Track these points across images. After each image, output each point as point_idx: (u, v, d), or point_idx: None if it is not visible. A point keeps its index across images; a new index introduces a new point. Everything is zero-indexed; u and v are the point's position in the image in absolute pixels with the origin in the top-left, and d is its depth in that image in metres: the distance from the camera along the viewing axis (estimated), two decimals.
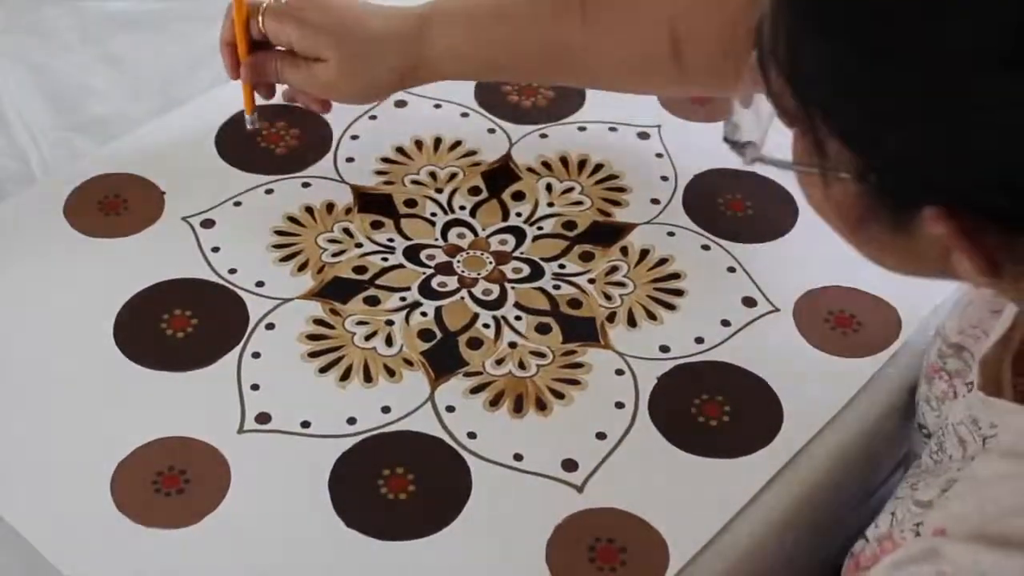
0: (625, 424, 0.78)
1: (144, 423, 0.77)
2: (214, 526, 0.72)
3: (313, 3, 0.85)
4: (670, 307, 0.84)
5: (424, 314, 0.83)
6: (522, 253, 0.88)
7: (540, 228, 0.89)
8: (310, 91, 0.89)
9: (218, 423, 0.77)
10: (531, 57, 0.86)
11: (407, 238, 0.88)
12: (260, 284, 0.85)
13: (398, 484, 0.74)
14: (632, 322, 0.83)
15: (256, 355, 0.81)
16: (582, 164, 0.94)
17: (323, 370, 0.80)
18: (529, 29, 0.85)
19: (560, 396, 0.79)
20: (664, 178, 0.93)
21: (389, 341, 0.82)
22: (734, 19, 0.73)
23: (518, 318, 0.83)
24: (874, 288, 0.85)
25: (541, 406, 0.79)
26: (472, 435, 0.77)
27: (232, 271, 0.86)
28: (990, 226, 0.52)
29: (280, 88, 0.91)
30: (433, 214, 0.90)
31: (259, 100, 0.91)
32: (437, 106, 0.98)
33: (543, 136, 0.96)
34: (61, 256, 0.86)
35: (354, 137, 0.95)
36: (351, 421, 0.77)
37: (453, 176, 0.93)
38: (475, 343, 0.82)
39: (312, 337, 0.82)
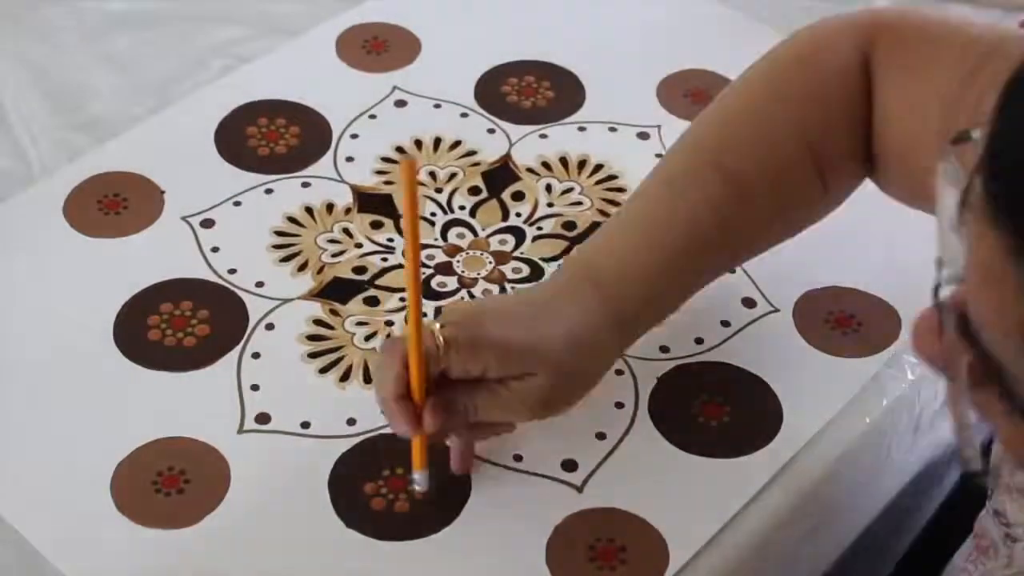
0: (625, 424, 0.78)
1: (144, 423, 0.77)
2: (214, 526, 0.72)
3: (490, 318, 0.70)
4: None
5: (424, 314, 0.83)
6: (522, 253, 0.88)
7: (540, 228, 0.89)
8: (519, 418, 0.73)
9: (218, 423, 0.77)
10: (710, 262, 0.76)
11: None
12: (260, 284, 0.85)
13: (398, 485, 0.74)
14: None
15: (256, 355, 0.81)
16: (582, 164, 0.94)
17: (323, 370, 0.80)
18: (703, 238, 0.74)
19: None
20: None
21: None
22: (860, 120, 0.74)
23: None
24: (874, 288, 0.85)
25: None
26: None
27: (232, 271, 0.86)
28: None
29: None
30: (433, 214, 0.90)
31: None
32: (437, 106, 0.98)
33: (543, 136, 0.96)
34: (60, 256, 0.86)
35: (354, 136, 0.95)
36: (351, 422, 0.77)
37: (453, 176, 0.93)
38: None
39: (312, 337, 0.82)
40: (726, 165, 0.75)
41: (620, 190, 0.92)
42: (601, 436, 0.77)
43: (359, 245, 0.88)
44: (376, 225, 0.89)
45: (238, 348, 0.81)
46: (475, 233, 0.89)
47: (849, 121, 0.76)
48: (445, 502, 0.74)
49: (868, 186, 0.79)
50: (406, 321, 0.76)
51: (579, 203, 0.91)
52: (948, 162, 0.48)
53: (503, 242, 0.88)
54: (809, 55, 0.78)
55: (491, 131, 0.96)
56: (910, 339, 0.51)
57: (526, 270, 0.86)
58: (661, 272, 0.73)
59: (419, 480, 0.72)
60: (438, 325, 0.68)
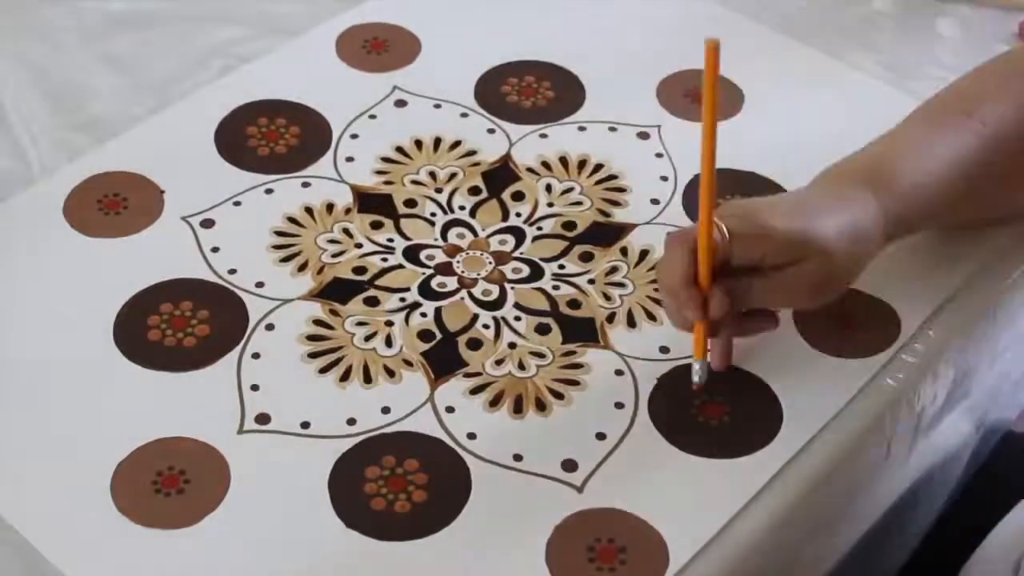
0: (625, 424, 0.78)
1: (143, 423, 0.77)
2: (213, 526, 0.72)
3: (765, 211, 0.76)
4: None
5: (424, 315, 0.83)
6: (522, 253, 0.88)
7: (540, 228, 0.89)
8: (791, 305, 0.81)
9: (218, 424, 0.77)
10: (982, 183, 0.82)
11: (407, 238, 0.88)
12: (260, 284, 0.85)
13: (397, 485, 0.74)
14: (632, 323, 0.83)
15: (256, 356, 0.81)
16: (582, 164, 0.94)
17: (323, 371, 0.80)
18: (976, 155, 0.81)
19: (560, 396, 0.79)
20: (664, 178, 0.93)
21: (389, 342, 0.82)
22: None
23: (518, 319, 0.83)
24: (873, 289, 0.85)
25: (541, 406, 0.79)
26: (472, 436, 0.77)
27: (232, 271, 0.86)
28: None
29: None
30: (433, 214, 0.90)
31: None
32: (437, 106, 0.98)
33: (543, 136, 0.96)
34: (60, 255, 0.86)
35: (354, 136, 0.95)
36: (351, 422, 0.77)
37: (453, 176, 0.93)
38: (475, 344, 0.82)
39: (312, 338, 0.82)
40: (984, 115, 0.81)
41: (620, 190, 0.92)
42: (601, 436, 0.77)
43: (359, 245, 0.88)
44: (376, 225, 0.89)
45: (238, 348, 0.81)
46: (475, 233, 0.89)
47: None
48: (445, 503, 0.74)
49: None
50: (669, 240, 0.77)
51: (579, 203, 0.91)
52: None
53: (503, 242, 0.88)
54: None
55: (491, 131, 0.96)
56: None
57: (526, 270, 0.86)
58: (935, 179, 0.79)
59: (698, 370, 0.78)
60: (719, 218, 0.74)
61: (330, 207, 0.90)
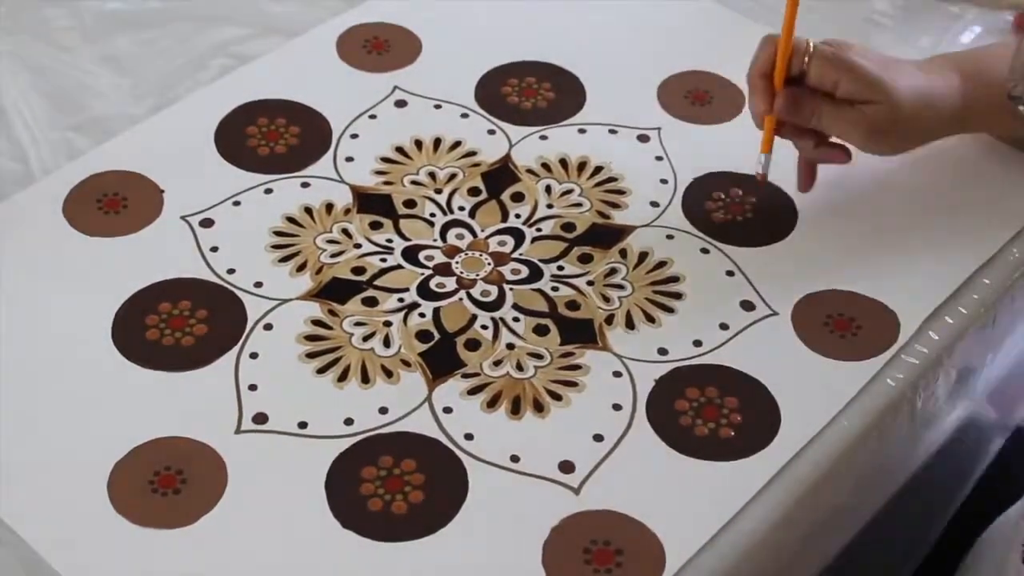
0: (622, 426, 0.78)
1: (141, 423, 0.77)
2: (211, 526, 0.72)
3: (859, 51, 0.84)
4: (668, 310, 0.84)
5: (422, 315, 0.83)
6: (521, 254, 0.88)
7: (539, 229, 0.89)
8: (849, 139, 0.87)
9: (215, 423, 0.77)
10: None
11: (406, 239, 0.88)
12: (259, 284, 0.85)
13: (395, 485, 0.74)
14: (630, 324, 0.83)
15: (254, 355, 0.81)
16: (582, 166, 0.94)
17: (321, 371, 0.80)
18: None
19: (557, 398, 0.79)
20: (664, 181, 0.93)
21: (387, 342, 0.82)
22: None
23: (516, 319, 0.83)
24: (872, 292, 0.85)
25: (538, 407, 0.79)
26: (469, 436, 0.77)
27: (231, 271, 0.86)
28: None
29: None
30: (432, 215, 0.90)
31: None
32: (437, 106, 0.98)
33: (543, 138, 0.96)
34: (59, 255, 0.86)
35: (354, 136, 0.95)
36: (348, 422, 0.77)
37: (452, 177, 0.93)
38: (473, 344, 0.82)
39: (310, 338, 0.82)
40: None
41: (620, 192, 0.92)
42: (598, 438, 0.77)
43: (358, 245, 0.88)
44: (375, 226, 0.89)
45: (236, 348, 0.81)
46: (474, 234, 0.89)
47: None
48: (442, 503, 0.74)
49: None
50: None
51: (579, 205, 0.91)
52: None
53: (502, 243, 0.88)
54: None
55: (491, 132, 0.96)
56: None
57: (525, 271, 0.86)
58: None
59: (761, 161, 0.87)
60: (814, 41, 0.84)
61: (329, 207, 0.90)
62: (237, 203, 0.90)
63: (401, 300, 0.84)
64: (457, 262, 0.87)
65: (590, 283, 0.86)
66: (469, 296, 0.85)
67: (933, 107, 0.85)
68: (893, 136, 0.85)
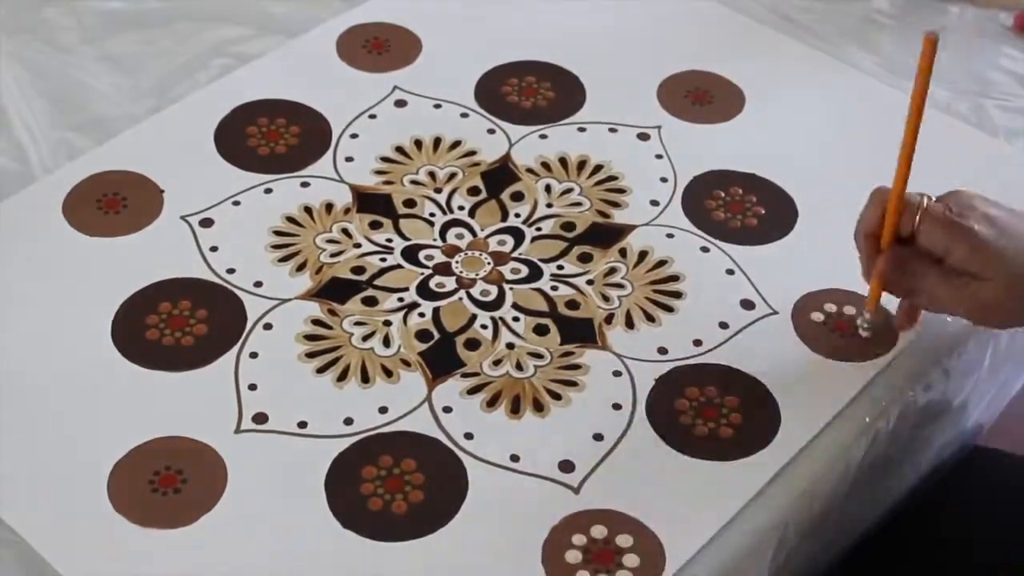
0: (622, 426, 0.78)
1: (141, 423, 0.77)
2: (210, 526, 0.72)
3: (979, 214, 0.75)
4: (668, 309, 0.84)
5: (422, 315, 0.83)
6: (521, 254, 0.87)
7: (539, 229, 0.89)
8: (955, 310, 0.78)
9: (215, 423, 0.77)
10: None
11: (406, 238, 0.88)
12: (258, 284, 0.85)
13: (394, 485, 0.74)
14: (630, 324, 0.83)
15: (254, 355, 0.81)
16: (581, 165, 0.94)
17: (321, 370, 0.80)
18: None
19: (557, 397, 0.79)
20: (663, 179, 0.93)
21: (387, 341, 0.82)
22: None
23: (516, 319, 0.83)
24: None
25: (538, 407, 0.78)
26: (469, 436, 0.77)
27: (230, 271, 0.86)
28: None
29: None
30: (432, 214, 0.90)
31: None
32: (437, 106, 0.98)
33: (543, 137, 0.96)
34: (60, 255, 0.86)
35: (353, 136, 0.95)
36: (348, 421, 0.77)
37: (452, 176, 0.93)
38: (473, 344, 0.82)
39: (310, 337, 0.82)
40: None
41: (620, 191, 0.92)
42: (598, 437, 0.77)
43: (358, 245, 0.88)
44: (375, 225, 0.89)
45: (236, 348, 0.81)
46: (474, 233, 0.89)
47: None
48: (442, 503, 0.74)
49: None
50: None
51: (578, 204, 0.91)
52: None
53: (502, 242, 0.88)
54: None
55: (491, 131, 0.96)
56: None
57: (525, 271, 0.86)
58: None
59: (862, 323, 0.81)
60: (934, 196, 0.76)
61: (329, 207, 0.90)
62: (237, 203, 0.90)
63: (401, 300, 0.84)
64: (457, 262, 0.87)
65: (590, 282, 0.86)
66: (469, 296, 0.85)
67: None
68: (1003, 313, 0.76)
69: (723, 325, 0.83)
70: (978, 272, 0.74)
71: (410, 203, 0.91)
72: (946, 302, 0.77)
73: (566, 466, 0.76)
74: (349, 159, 0.94)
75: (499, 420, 0.78)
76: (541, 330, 0.83)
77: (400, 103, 0.98)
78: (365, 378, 0.79)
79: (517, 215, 0.90)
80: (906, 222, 0.75)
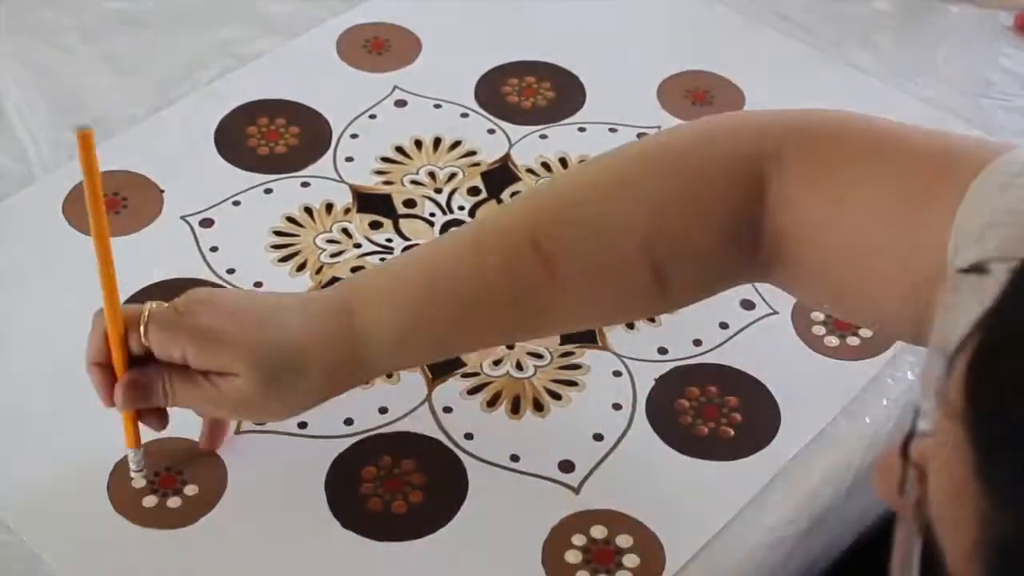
0: (622, 426, 0.78)
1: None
2: (211, 527, 0.72)
3: (207, 302, 0.68)
4: None
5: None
6: None
7: None
8: (215, 413, 0.72)
9: None
10: (492, 328, 0.71)
11: (406, 238, 0.88)
12: (259, 284, 0.85)
13: (395, 485, 0.74)
14: (630, 324, 0.83)
15: None
16: None
17: None
18: (486, 301, 0.69)
19: (557, 397, 0.79)
20: None
21: None
22: (712, 221, 0.66)
23: None
24: None
25: (538, 407, 0.79)
26: (469, 436, 0.77)
27: (231, 271, 0.86)
28: None
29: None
30: (432, 214, 0.90)
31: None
32: (437, 106, 0.98)
33: (543, 137, 0.96)
34: (60, 255, 0.86)
35: (353, 136, 0.95)
36: (348, 422, 0.77)
37: (452, 176, 0.93)
38: None
39: None
40: (543, 246, 0.67)
41: None
42: (598, 437, 0.77)
43: (358, 245, 0.88)
44: (375, 225, 0.89)
45: None
46: None
47: (715, 219, 0.67)
48: (442, 503, 0.74)
49: None
50: None
51: None
52: (958, 290, 0.43)
53: None
54: (693, 141, 0.70)
55: (491, 131, 0.96)
56: (872, 475, 0.46)
57: None
58: (422, 331, 0.69)
59: (134, 460, 0.72)
60: (154, 304, 0.68)
61: (329, 207, 0.90)
62: (237, 203, 0.90)
63: None
64: None
65: None
66: None
67: (305, 368, 0.67)
68: (269, 408, 0.69)
69: (723, 325, 0.83)
70: (222, 368, 0.66)
71: (410, 203, 0.91)
72: (210, 409, 0.70)
73: (566, 466, 0.76)
74: (349, 159, 0.94)
75: (499, 420, 0.78)
76: None
77: (400, 103, 0.98)
78: None
79: None
80: (134, 339, 0.67)
